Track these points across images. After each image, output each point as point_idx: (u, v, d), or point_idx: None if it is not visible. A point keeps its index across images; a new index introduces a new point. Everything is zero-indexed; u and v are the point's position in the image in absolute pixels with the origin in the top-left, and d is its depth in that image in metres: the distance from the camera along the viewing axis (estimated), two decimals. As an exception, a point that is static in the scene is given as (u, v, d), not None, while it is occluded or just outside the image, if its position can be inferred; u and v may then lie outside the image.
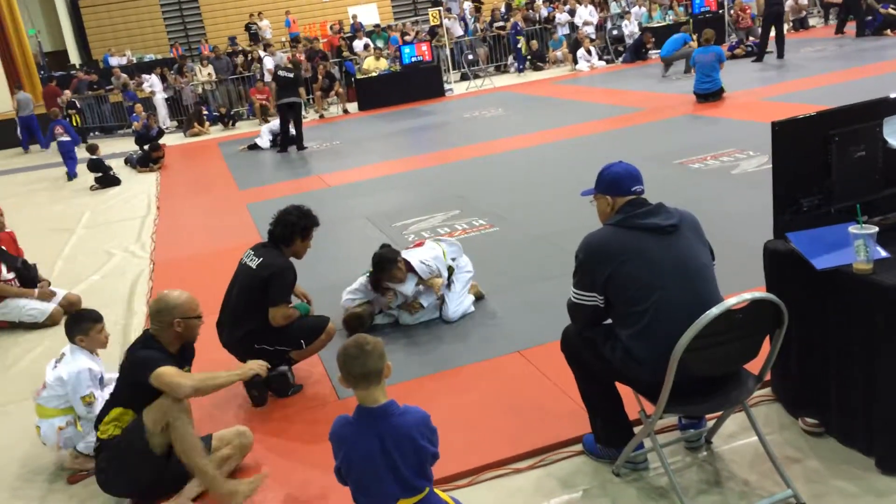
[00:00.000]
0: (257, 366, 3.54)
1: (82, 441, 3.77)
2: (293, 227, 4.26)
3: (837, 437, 3.16)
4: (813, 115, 3.25)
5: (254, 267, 4.16)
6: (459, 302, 5.01)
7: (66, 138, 13.35)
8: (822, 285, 3.01)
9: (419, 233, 7.01)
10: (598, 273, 2.88)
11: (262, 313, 4.08)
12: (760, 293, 2.72)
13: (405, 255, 4.99)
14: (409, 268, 4.93)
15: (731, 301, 2.61)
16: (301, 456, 3.67)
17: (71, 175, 13.00)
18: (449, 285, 5.05)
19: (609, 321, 3.00)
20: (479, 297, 5.22)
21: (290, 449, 3.76)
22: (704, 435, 3.30)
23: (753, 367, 2.93)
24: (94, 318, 3.99)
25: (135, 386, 3.34)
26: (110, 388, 3.69)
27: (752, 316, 2.70)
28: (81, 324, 3.95)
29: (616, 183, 3.01)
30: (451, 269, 5.12)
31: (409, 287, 4.92)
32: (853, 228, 2.89)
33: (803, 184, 3.19)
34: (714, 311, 2.57)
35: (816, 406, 3.23)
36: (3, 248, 6.23)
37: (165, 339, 3.45)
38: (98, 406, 3.70)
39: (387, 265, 4.86)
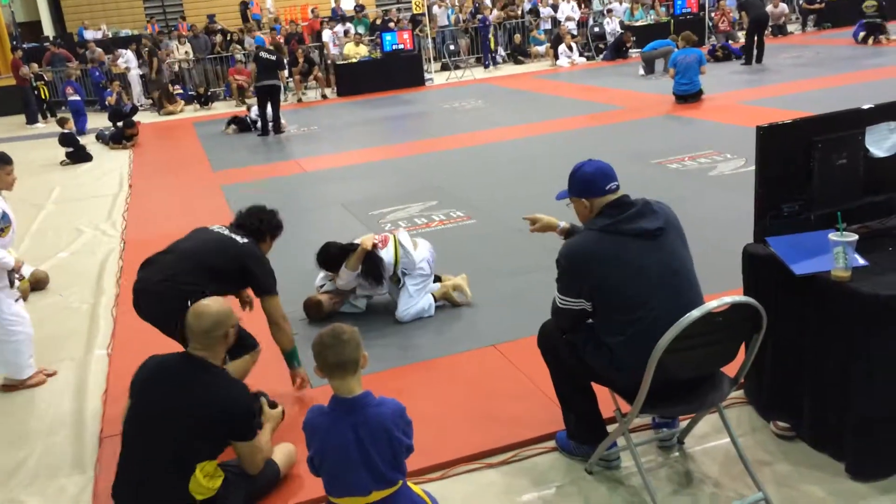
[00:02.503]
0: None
1: None
2: (268, 224, 3.98)
3: (808, 441, 3.19)
4: (797, 121, 3.26)
5: (238, 240, 3.76)
6: (412, 303, 4.81)
7: (75, 98, 15.29)
8: (799, 291, 3.02)
9: (395, 222, 6.96)
10: (583, 280, 2.86)
11: (211, 286, 3.54)
12: (741, 297, 2.72)
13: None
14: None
15: (711, 304, 2.61)
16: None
17: (81, 131, 14.32)
18: (399, 282, 4.91)
19: (590, 321, 2.99)
20: (452, 302, 5.01)
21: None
22: (677, 435, 3.32)
23: (729, 369, 2.94)
24: (4, 159, 4.44)
25: (224, 439, 2.94)
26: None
27: (732, 319, 2.70)
28: None
29: (589, 184, 2.96)
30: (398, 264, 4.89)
31: (345, 279, 4.86)
32: (833, 235, 2.91)
33: (784, 189, 3.20)
34: (695, 313, 2.57)
35: (788, 410, 3.25)
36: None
37: (216, 358, 2.98)
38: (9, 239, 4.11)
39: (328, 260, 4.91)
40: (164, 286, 3.60)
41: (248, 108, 13.79)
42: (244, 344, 3.63)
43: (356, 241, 4.91)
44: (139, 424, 2.88)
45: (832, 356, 2.96)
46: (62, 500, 3.36)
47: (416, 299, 4.83)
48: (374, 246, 4.84)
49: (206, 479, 2.84)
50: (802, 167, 3.18)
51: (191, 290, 3.43)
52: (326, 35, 19.00)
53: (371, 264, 4.79)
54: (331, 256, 4.90)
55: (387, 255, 4.84)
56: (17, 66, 16.64)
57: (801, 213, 3.22)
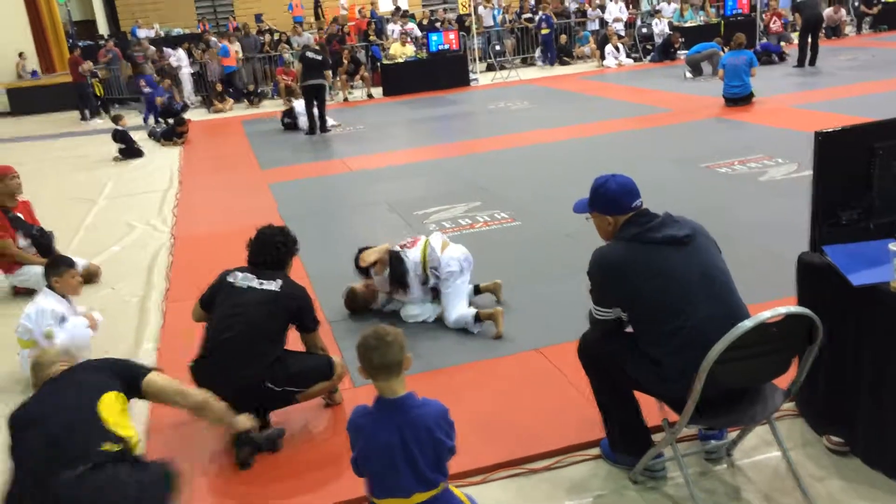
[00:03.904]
0: (249, 421, 3.34)
1: None
2: (286, 248, 3.84)
3: (863, 457, 3.10)
4: (857, 127, 3.18)
5: (276, 290, 3.65)
6: (450, 308, 4.71)
7: (148, 90, 16.25)
8: (856, 302, 2.94)
9: (440, 222, 6.96)
10: (617, 291, 2.83)
11: (279, 346, 3.63)
12: (797, 307, 2.65)
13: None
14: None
15: (765, 314, 2.55)
16: (317, 443, 3.66)
17: (146, 119, 15.62)
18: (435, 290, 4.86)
19: (630, 329, 2.94)
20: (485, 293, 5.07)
21: (305, 435, 3.74)
22: (725, 447, 3.24)
23: (781, 381, 2.87)
24: (68, 263, 4.67)
25: None
26: (70, 328, 4.33)
27: (786, 330, 2.63)
28: (58, 267, 4.61)
29: (615, 201, 2.92)
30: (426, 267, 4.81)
31: (378, 285, 4.90)
32: (893, 245, 2.82)
33: (843, 196, 3.12)
34: (748, 323, 2.51)
35: (842, 425, 3.16)
36: (20, 215, 6.23)
37: None
38: (58, 340, 4.23)
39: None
40: (251, 384, 3.52)
41: (289, 106, 13.97)
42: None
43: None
44: None
45: (890, 370, 2.87)
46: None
47: (454, 303, 4.74)
48: (402, 246, 4.87)
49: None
50: (862, 174, 3.09)
51: (267, 367, 3.52)
52: (392, 29, 19.20)
53: (395, 270, 4.78)
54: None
55: (413, 254, 4.83)
56: (76, 63, 17.04)
57: (860, 221, 3.13)
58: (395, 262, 4.79)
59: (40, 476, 2.62)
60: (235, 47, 19.23)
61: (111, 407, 2.87)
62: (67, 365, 3.06)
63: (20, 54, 19.74)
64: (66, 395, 2.87)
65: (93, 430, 2.75)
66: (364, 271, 4.94)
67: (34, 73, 20.96)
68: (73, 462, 2.62)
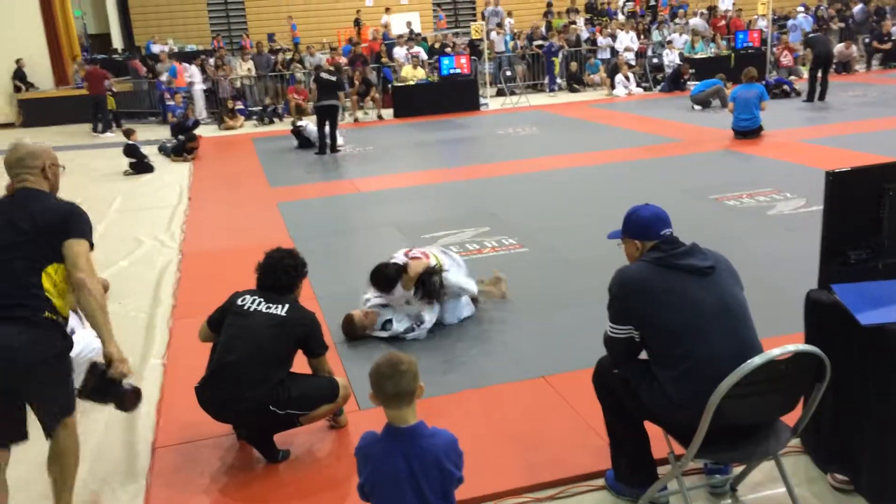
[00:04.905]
0: (125, 367, 3.18)
1: None
2: (295, 272, 3.82)
3: (867, 496, 3.09)
4: (868, 167, 3.20)
5: (283, 314, 3.63)
6: (457, 279, 5.18)
7: (171, 103, 17.14)
8: (864, 341, 2.95)
9: (448, 246, 6.98)
10: (633, 307, 2.86)
11: (284, 369, 3.63)
12: (806, 346, 2.67)
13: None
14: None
15: (775, 352, 2.56)
16: (323, 466, 3.67)
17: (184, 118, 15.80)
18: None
19: (645, 357, 2.96)
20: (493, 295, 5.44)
21: (310, 458, 3.74)
22: (730, 482, 3.24)
23: (788, 418, 2.87)
24: None
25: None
26: (78, 341, 3.89)
27: (795, 368, 2.65)
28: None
29: (645, 228, 2.99)
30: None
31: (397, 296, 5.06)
32: (902, 286, 2.84)
33: (853, 235, 3.14)
34: (757, 360, 2.52)
35: (847, 463, 3.16)
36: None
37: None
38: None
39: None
40: (253, 407, 3.53)
41: (294, 124, 14.09)
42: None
43: (395, 260, 5.09)
44: None
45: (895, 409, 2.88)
46: (114, 508, 3.42)
47: (457, 277, 5.17)
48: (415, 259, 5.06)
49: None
50: (872, 214, 3.12)
51: (270, 390, 3.52)
52: (398, 53, 19.33)
53: (433, 284, 4.93)
54: (387, 277, 4.99)
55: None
56: (97, 75, 17.17)
57: (869, 261, 3.15)
58: (432, 276, 4.96)
59: None
60: (248, 65, 19.41)
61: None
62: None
63: (17, 61, 19.62)
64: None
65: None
66: (387, 285, 5.00)
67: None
68: None
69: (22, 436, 3.11)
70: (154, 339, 5.31)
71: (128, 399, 3.24)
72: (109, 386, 3.17)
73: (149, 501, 3.43)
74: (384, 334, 5.00)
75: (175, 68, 18.36)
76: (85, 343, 4.52)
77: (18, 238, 3.06)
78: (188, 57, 21.22)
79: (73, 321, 4.57)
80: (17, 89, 19.69)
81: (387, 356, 2.59)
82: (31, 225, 3.07)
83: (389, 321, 5.02)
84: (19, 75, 19.61)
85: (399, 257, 5.17)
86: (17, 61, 19.49)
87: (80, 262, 3.10)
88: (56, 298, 3.07)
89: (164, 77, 18.51)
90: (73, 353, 4.32)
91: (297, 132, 13.82)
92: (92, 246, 3.24)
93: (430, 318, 5.04)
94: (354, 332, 5.04)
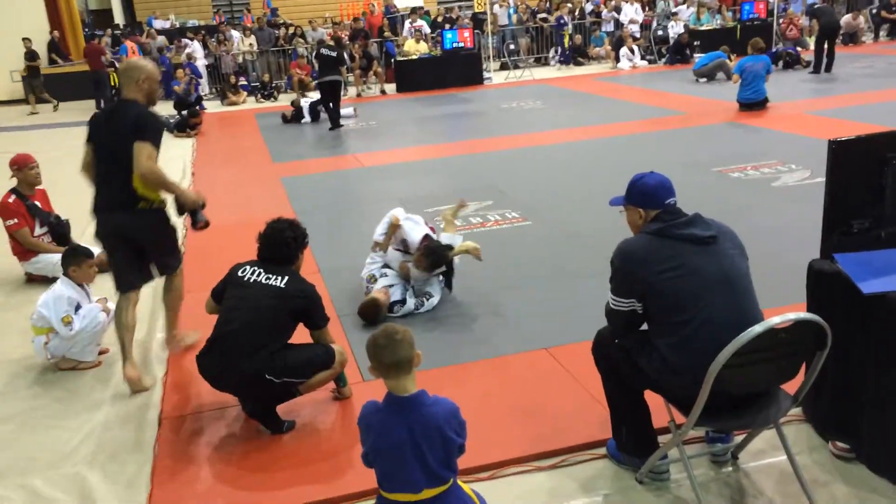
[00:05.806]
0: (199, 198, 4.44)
1: (68, 350, 4.53)
2: (295, 243, 3.82)
3: (868, 464, 3.12)
4: (871, 136, 3.18)
5: (281, 286, 3.64)
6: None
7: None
8: (866, 310, 2.96)
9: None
10: (635, 279, 2.86)
11: (282, 340, 3.65)
12: (806, 314, 2.67)
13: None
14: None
15: (775, 319, 2.57)
16: (327, 436, 3.71)
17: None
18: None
19: (645, 328, 2.97)
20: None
21: (315, 428, 3.78)
22: (731, 450, 3.27)
23: (788, 386, 2.89)
24: (86, 254, 4.82)
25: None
26: (85, 315, 4.55)
27: (796, 336, 2.65)
28: (77, 257, 4.75)
29: (649, 196, 2.97)
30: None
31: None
32: (904, 255, 2.84)
33: (855, 205, 3.13)
34: (757, 328, 2.53)
35: (848, 431, 3.18)
36: (37, 203, 6.30)
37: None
38: (76, 326, 4.47)
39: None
40: (250, 375, 3.56)
41: (293, 104, 14.08)
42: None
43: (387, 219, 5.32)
44: None
45: (897, 379, 2.89)
46: (121, 479, 3.46)
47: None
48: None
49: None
50: (874, 183, 3.11)
51: (266, 359, 3.54)
52: (405, 28, 19.23)
53: (437, 256, 4.97)
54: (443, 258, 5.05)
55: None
56: (97, 51, 17.07)
57: (871, 230, 3.15)
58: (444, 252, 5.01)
59: None
60: (250, 40, 19.30)
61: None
62: None
63: (24, 40, 19.46)
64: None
65: None
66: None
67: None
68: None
69: (149, 277, 4.47)
70: (159, 314, 5.33)
71: (200, 222, 4.54)
72: (193, 214, 4.47)
73: (156, 471, 3.48)
74: (398, 314, 4.99)
75: (126, 47, 18.16)
76: (91, 317, 4.57)
77: (117, 146, 4.09)
78: (190, 32, 21.10)
79: (78, 295, 4.61)
80: (53, 62, 19.68)
81: (382, 327, 2.62)
82: (120, 131, 4.08)
83: (399, 302, 5.03)
84: (31, 56, 19.41)
85: (410, 235, 5.15)
86: (24, 40, 19.36)
87: (140, 160, 4.02)
88: (143, 190, 4.17)
89: (187, 52, 18.42)
90: (79, 327, 4.42)
91: (297, 110, 13.81)
92: (158, 147, 4.16)
93: (437, 294, 5.08)
94: (378, 316, 4.88)
